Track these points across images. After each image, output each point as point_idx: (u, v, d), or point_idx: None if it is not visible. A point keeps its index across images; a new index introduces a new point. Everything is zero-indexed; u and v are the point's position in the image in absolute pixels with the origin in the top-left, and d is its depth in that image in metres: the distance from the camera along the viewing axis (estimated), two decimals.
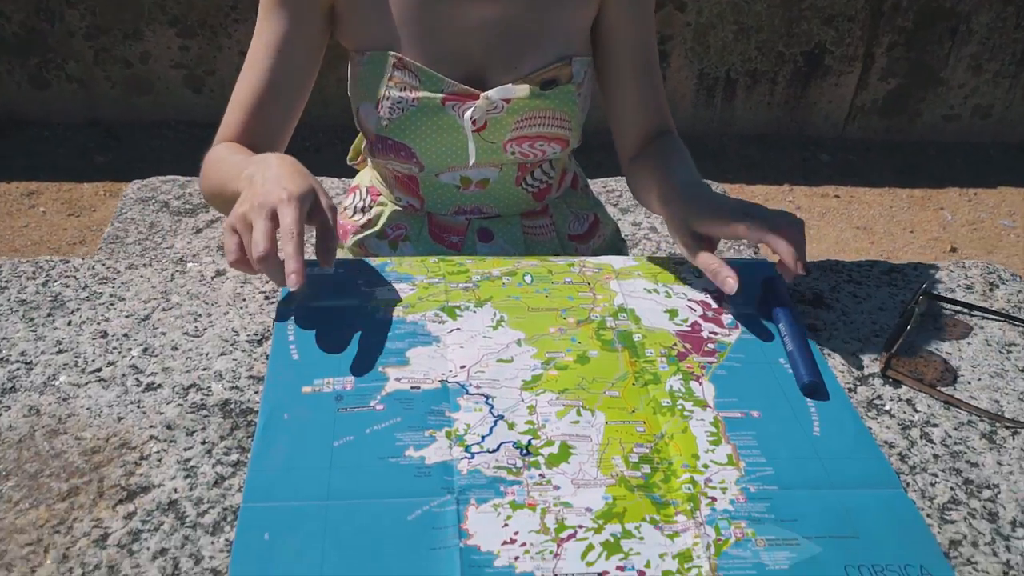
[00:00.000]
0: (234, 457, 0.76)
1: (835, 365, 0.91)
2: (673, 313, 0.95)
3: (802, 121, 3.28)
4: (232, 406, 0.81)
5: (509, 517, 0.72)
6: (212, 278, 0.98)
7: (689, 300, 0.98)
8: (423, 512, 0.72)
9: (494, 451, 0.78)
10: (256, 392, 0.83)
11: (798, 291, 1.01)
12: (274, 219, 0.82)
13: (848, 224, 2.95)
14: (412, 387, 0.83)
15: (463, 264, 1.01)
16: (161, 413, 0.80)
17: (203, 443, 0.77)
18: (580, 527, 0.72)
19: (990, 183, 3.19)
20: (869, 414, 0.85)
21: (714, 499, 0.75)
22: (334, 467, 0.75)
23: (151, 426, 0.79)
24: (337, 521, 0.71)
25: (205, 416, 0.80)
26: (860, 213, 3.01)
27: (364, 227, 1.24)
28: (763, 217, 0.90)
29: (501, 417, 0.81)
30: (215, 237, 1.68)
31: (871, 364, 0.91)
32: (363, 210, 1.25)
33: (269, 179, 0.84)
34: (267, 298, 0.95)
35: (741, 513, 0.74)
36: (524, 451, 0.78)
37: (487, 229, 1.18)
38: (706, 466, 0.78)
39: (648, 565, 0.69)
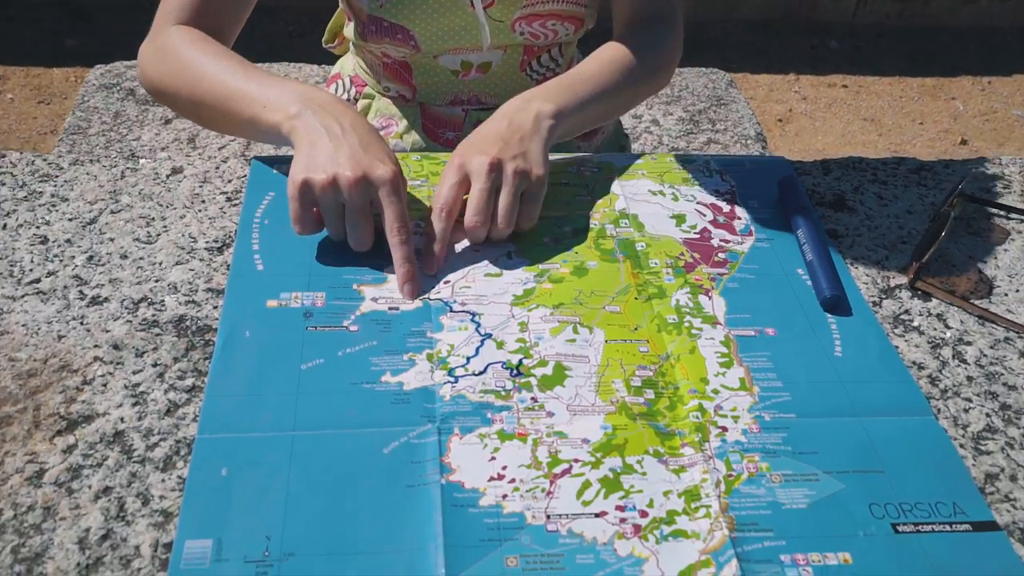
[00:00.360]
0: (189, 382, 0.68)
1: (858, 276, 0.82)
2: (680, 219, 0.86)
3: (811, 5, 3.11)
4: (188, 323, 0.73)
5: (496, 449, 0.65)
6: (167, 176, 0.88)
7: (698, 203, 0.88)
8: (400, 444, 0.64)
9: (481, 373, 0.70)
10: (215, 307, 0.74)
11: (817, 192, 0.92)
12: (373, 204, 0.75)
13: (855, 115, 2.82)
14: (390, 308, 0.74)
15: None
16: (107, 331, 0.71)
17: (154, 366, 0.69)
18: (576, 461, 0.64)
19: (1005, 71, 3.05)
20: (895, 331, 0.77)
21: (725, 429, 0.67)
22: (301, 393, 0.67)
23: (95, 346, 0.70)
24: (304, 454, 0.63)
25: (157, 335, 0.72)
26: (868, 104, 2.87)
27: None
28: (442, 184, 0.80)
29: (489, 336, 0.73)
30: (185, 128, 1.57)
31: (898, 275, 0.83)
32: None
33: (353, 143, 0.75)
34: (229, 200, 0.86)
35: (755, 445, 0.66)
36: (515, 371, 0.70)
37: None
38: (716, 391, 0.70)
39: (651, 504, 0.62)
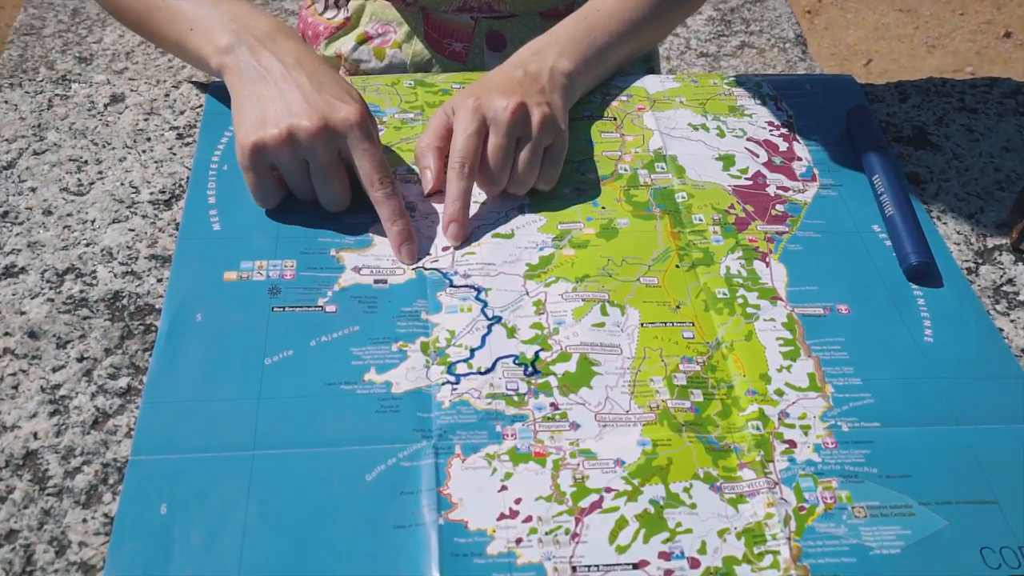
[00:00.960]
0: (123, 382, 0.55)
1: (947, 234, 0.67)
2: (728, 160, 0.71)
3: None
4: (125, 302, 0.59)
5: (508, 475, 0.51)
6: (106, 106, 0.72)
7: (749, 140, 0.73)
8: (388, 468, 0.51)
9: (488, 371, 0.56)
10: (160, 280, 0.60)
11: (893, 125, 0.76)
12: (341, 156, 0.61)
13: (890, 6, 2.60)
14: (376, 281, 0.60)
15: (448, 91, 0.75)
16: (22, 312, 0.57)
17: (80, 360, 0.55)
18: (608, 491, 0.51)
19: None
20: (996, 307, 0.63)
21: (792, 444, 0.54)
22: (264, 398, 0.54)
23: (6, 333, 0.56)
24: (265, 483, 0.50)
25: (85, 318, 0.58)
26: None
27: (340, 29, 0.95)
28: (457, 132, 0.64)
29: (498, 320, 0.59)
30: None
31: (996, 233, 0.68)
32: (337, 5, 0.96)
33: (302, 83, 0.61)
34: (180, 137, 0.70)
35: (831, 466, 0.53)
36: (530, 368, 0.56)
37: (498, 33, 0.90)
38: (780, 392, 0.56)
39: (703, 549, 0.49)
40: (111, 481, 0.50)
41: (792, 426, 0.55)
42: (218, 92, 0.71)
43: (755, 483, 0.52)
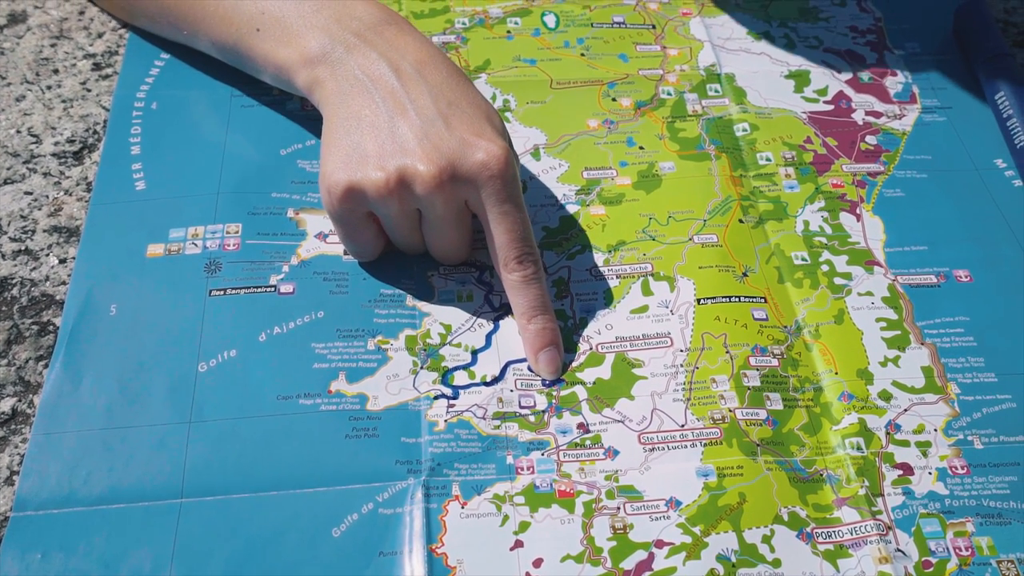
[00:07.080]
0: (6, 405, 0.41)
1: None
2: (802, 78, 0.55)
3: None
4: (15, 292, 0.45)
5: (525, 526, 0.38)
6: (1, 28, 0.57)
7: (827, 51, 0.57)
8: (361, 518, 0.38)
9: (495, 381, 0.42)
10: (64, 261, 0.46)
11: (1013, 24, 0.60)
12: (470, 205, 0.43)
13: None
14: (347, 250, 0.46)
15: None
16: None
17: None
18: (659, 545, 0.37)
19: None
20: None
21: (908, 469, 0.40)
22: (196, 422, 0.40)
23: None
24: (196, 545, 0.37)
25: None
26: None
27: None
28: None
29: (508, 310, 0.44)
30: None
31: None
32: None
33: (424, 106, 0.42)
34: (98, 67, 0.55)
35: (963, 501, 0.39)
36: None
37: None
38: (887, 396, 0.42)
39: None
40: None
41: (905, 443, 0.41)
42: None
43: (859, 527, 0.38)
